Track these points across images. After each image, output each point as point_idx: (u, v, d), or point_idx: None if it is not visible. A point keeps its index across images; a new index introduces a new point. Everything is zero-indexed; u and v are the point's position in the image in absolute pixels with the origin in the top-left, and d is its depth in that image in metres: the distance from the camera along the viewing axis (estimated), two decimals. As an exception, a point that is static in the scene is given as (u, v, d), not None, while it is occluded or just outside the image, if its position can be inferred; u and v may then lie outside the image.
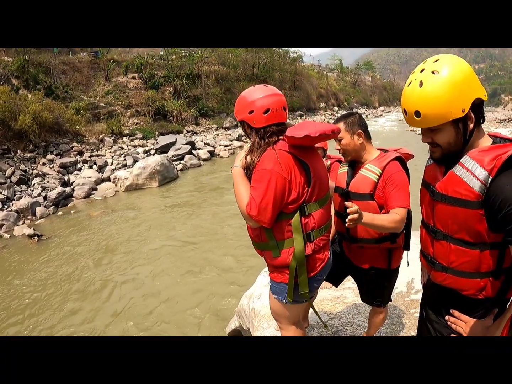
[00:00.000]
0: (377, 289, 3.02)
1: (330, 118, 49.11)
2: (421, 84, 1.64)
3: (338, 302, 4.30)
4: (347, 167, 2.95)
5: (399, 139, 30.31)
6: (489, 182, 1.61)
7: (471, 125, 1.69)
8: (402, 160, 2.79)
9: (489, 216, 1.65)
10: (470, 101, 1.62)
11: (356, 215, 2.16)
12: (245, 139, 25.62)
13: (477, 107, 1.67)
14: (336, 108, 58.30)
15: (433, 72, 1.63)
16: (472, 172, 1.66)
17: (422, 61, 1.74)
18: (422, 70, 1.68)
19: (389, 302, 3.22)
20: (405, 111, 1.74)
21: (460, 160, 1.73)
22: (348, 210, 2.16)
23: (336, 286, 3.39)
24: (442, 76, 1.60)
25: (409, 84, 1.71)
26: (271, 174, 2.22)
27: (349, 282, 4.38)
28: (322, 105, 55.96)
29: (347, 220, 2.16)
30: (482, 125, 1.77)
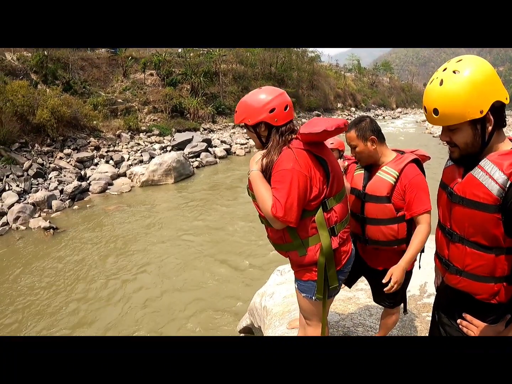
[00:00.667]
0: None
1: (347, 119, 48.88)
2: (441, 83, 1.64)
3: (350, 303, 4.28)
4: (363, 169, 2.94)
5: (417, 141, 30.14)
6: (507, 186, 1.59)
7: (490, 127, 1.67)
8: (419, 162, 2.77)
9: (506, 220, 1.63)
10: (489, 103, 1.61)
11: (396, 287, 2.56)
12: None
13: (498, 109, 1.65)
14: (353, 109, 58.09)
15: (454, 72, 1.63)
16: (491, 176, 1.64)
17: (440, 62, 1.74)
18: (445, 69, 1.67)
19: (401, 305, 3.20)
20: (425, 108, 1.75)
21: (480, 163, 1.72)
22: (387, 290, 2.56)
23: (350, 287, 3.38)
24: (462, 76, 1.60)
25: (431, 82, 1.72)
26: (292, 173, 2.22)
27: (362, 284, 4.36)
28: (339, 105, 55.78)
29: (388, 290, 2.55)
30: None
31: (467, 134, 1.69)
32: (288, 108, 2.38)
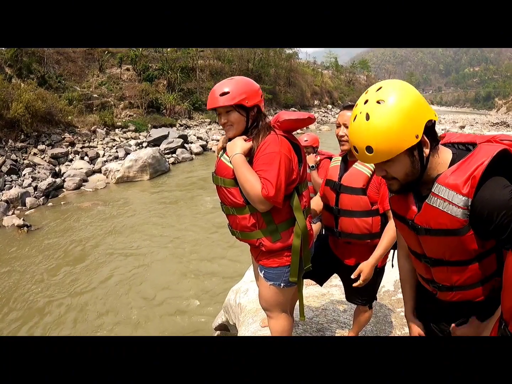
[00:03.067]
0: (362, 287, 3.00)
1: (324, 116, 49.32)
2: (367, 117, 1.50)
3: (324, 299, 4.31)
4: (339, 161, 2.95)
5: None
6: (469, 204, 1.53)
7: (427, 151, 1.58)
8: None
9: (478, 229, 1.57)
10: (423, 125, 1.51)
11: (363, 283, 2.77)
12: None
13: (430, 129, 1.56)
14: (330, 106, 58.48)
15: (378, 102, 1.50)
16: (451, 201, 1.57)
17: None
18: (366, 102, 1.54)
19: (376, 301, 3.22)
20: (355, 148, 1.60)
21: (433, 190, 1.63)
22: (355, 285, 2.80)
23: (321, 285, 3.38)
24: (388, 105, 1.48)
25: (354, 119, 1.58)
26: (280, 155, 2.30)
27: (336, 280, 4.39)
28: (316, 102, 56.04)
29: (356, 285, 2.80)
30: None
31: (405, 164, 1.59)
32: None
